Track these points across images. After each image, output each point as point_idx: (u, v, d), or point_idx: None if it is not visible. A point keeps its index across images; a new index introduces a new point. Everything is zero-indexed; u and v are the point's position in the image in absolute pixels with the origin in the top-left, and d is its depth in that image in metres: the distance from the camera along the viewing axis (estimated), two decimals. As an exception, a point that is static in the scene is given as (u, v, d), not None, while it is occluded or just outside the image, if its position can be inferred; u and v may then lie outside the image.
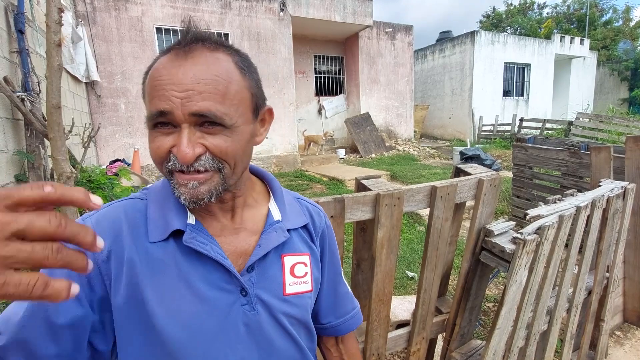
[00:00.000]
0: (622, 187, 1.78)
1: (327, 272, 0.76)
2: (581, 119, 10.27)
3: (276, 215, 0.67)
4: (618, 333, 2.42)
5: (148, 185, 0.67)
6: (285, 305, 0.63)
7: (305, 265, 0.67)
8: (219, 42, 0.55)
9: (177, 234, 0.58)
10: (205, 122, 0.51)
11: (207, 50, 0.52)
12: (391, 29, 11.05)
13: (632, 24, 23.90)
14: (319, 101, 11.03)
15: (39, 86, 3.36)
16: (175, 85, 0.49)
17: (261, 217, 0.66)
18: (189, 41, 0.52)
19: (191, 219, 0.59)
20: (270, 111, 0.64)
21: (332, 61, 11.24)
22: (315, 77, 10.97)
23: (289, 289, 0.64)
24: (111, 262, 0.55)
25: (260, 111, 0.60)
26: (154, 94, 0.51)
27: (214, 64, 0.52)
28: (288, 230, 0.66)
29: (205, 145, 0.52)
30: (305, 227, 0.71)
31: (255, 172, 0.72)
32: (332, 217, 1.09)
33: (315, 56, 10.85)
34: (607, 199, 1.67)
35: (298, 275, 0.66)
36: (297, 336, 0.66)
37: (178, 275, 0.57)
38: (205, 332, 0.57)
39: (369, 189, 1.22)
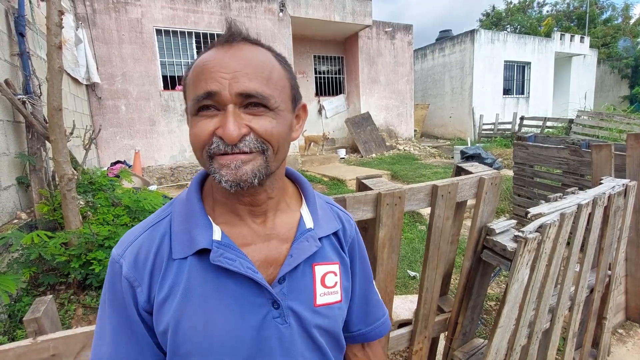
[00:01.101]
0: (624, 184, 1.77)
1: (359, 281, 0.74)
2: (582, 117, 10.25)
3: (308, 222, 0.65)
4: (620, 331, 2.41)
5: (173, 198, 0.66)
6: (316, 317, 0.62)
7: (335, 274, 0.65)
8: (258, 40, 0.57)
9: (204, 251, 0.56)
10: (249, 103, 0.52)
11: (249, 44, 0.55)
12: (391, 29, 11.05)
13: (632, 21, 23.85)
14: (319, 101, 11.03)
15: (39, 89, 3.37)
16: (222, 67, 0.51)
17: (293, 224, 0.64)
18: (231, 36, 0.54)
19: (217, 234, 0.57)
20: (305, 107, 0.65)
21: (332, 61, 11.25)
22: (315, 77, 10.97)
23: (320, 300, 0.62)
24: (151, 294, 0.57)
25: (297, 105, 0.61)
26: (200, 78, 0.52)
27: (258, 53, 0.54)
28: (320, 239, 0.64)
29: (250, 126, 0.52)
30: (336, 233, 0.70)
31: (287, 174, 0.70)
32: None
33: (315, 56, 10.86)
34: (609, 197, 1.67)
35: (328, 285, 0.64)
36: (327, 351, 0.64)
37: (205, 293, 0.56)
38: (240, 350, 0.56)
39: (370, 189, 1.22)
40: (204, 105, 0.52)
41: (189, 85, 0.55)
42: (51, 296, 0.99)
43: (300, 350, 0.60)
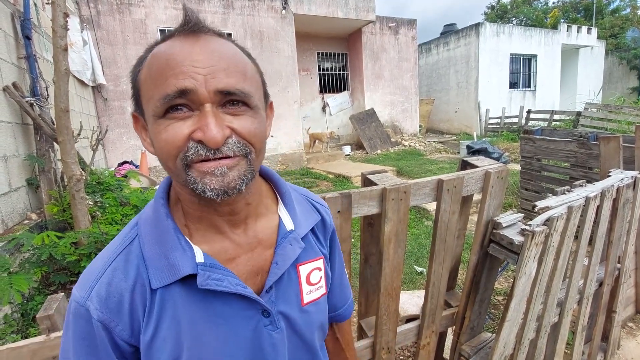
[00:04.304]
0: (633, 176, 1.75)
1: (337, 267, 0.76)
2: (590, 109, 10.12)
3: (288, 224, 0.62)
4: (630, 324, 2.39)
5: (136, 218, 0.58)
6: (305, 316, 0.62)
7: (320, 269, 0.65)
8: (221, 32, 0.52)
9: (188, 276, 0.52)
10: (228, 102, 0.47)
11: (216, 36, 0.49)
12: (394, 24, 10.99)
13: (641, 11, 23.43)
14: (323, 98, 11.02)
15: (47, 91, 3.41)
16: (195, 61, 0.44)
17: (273, 227, 0.62)
18: (195, 25, 0.47)
19: (199, 256, 0.52)
20: (271, 105, 0.61)
21: (335, 58, 11.21)
22: (319, 74, 10.96)
23: (307, 298, 0.63)
24: (135, 330, 0.52)
25: (267, 102, 0.58)
26: (166, 74, 0.45)
27: (227, 46, 0.49)
28: (302, 237, 0.63)
29: (232, 127, 0.47)
30: (315, 227, 0.68)
31: (260, 172, 0.67)
32: (339, 212, 1.09)
33: (318, 53, 10.83)
34: (617, 189, 1.65)
35: (314, 282, 0.64)
36: (316, 346, 0.66)
37: (194, 319, 0.52)
38: None
39: (376, 184, 1.22)
40: (173, 105, 0.45)
41: (145, 83, 0.48)
42: (63, 294, 1.01)
43: (291, 351, 0.61)
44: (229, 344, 0.54)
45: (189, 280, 0.52)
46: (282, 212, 0.64)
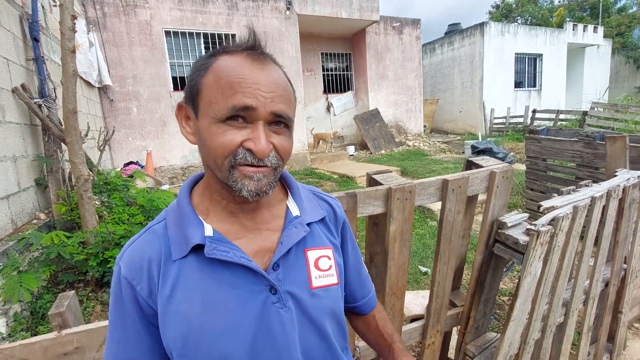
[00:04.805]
0: (639, 176, 1.75)
1: (351, 259, 0.80)
2: (596, 109, 10.03)
3: (294, 211, 0.69)
4: (637, 325, 2.38)
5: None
6: (314, 299, 0.65)
7: (329, 258, 0.69)
8: (274, 58, 0.62)
9: (199, 247, 0.60)
10: (274, 122, 0.58)
11: (272, 63, 0.60)
12: (398, 24, 10.97)
13: (648, 9, 23.17)
14: (327, 98, 11.03)
15: (54, 92, 3.45)
16: (261, 85, 0.55)
17: (281, 215, 0.69)
18: (261, 52, 0.58)
19: (209, 231, 0.61)
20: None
21: (339, 58, 11.22)
22: (323, 75, 10.96)
23: (316, 282, 0.66)
24: (152, 293, 0.60)
25: None
26: (236, 89, 0.54)
27: (281, 74, 0.60)
28: (308, 225, 0.68)
29: (274, 143, 0.58)
30: (323, 220, 0.73)
31: None
32: (344, 211, 1.10)
33: (322, 53, 10.84)
34: (623, 189, 1.64)
35: (323, 268, 0.68)
36: (329, 332, 0.67)
37: (205, 287, 0.59)
38: (244, 337, 0.59)
39: (381, 184, 1.23)
40: (235, 115, 0.55)
41: (211, 88, 0.56)
42: (73, 292, 1.02)
43: (301, 333, 0.63)
44: (237, 313, 0.59)
45: (201, 252, 0.60)
46: (290, 202, 0.71)
